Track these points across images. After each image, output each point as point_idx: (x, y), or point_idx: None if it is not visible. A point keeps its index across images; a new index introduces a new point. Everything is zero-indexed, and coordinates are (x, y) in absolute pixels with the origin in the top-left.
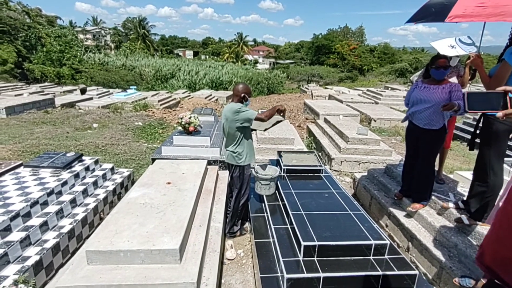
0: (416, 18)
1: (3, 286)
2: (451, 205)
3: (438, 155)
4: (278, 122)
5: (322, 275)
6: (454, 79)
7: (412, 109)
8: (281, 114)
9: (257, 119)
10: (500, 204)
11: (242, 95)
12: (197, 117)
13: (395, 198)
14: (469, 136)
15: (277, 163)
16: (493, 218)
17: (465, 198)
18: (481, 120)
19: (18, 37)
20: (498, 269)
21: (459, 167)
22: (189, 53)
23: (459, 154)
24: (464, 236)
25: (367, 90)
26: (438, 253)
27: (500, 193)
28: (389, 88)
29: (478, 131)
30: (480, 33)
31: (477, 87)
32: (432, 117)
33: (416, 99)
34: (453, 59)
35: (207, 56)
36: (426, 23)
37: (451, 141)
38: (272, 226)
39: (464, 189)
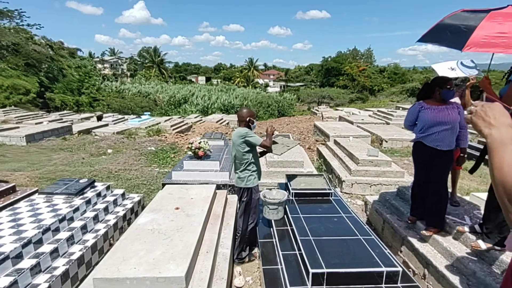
0: (429, 39)
1: None
2: (466, 229)
3: (450, 177)
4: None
5: None
6: (457, 99)
7: (428, 131)
8: (272, 134)
9: (262, 145)
10: None
11: (248, 119)
12: (206, 142)
13: (409, 221)
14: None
15: (285, 186)
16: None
17: (481, 221)
18: None
19: (42, 69)
20: None
21: (476, 188)
22: (202, 79)
23: (476, 174)
24: (482, 263)
25: (378, 110)
26: (456, 281)
27: None
28: (400, 108)
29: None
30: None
31: None
32: (451, 138)
33: (433, 122)
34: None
35: (219, 81)
36: (439, 45)
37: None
38: (280, 252)
39: (481, 211)
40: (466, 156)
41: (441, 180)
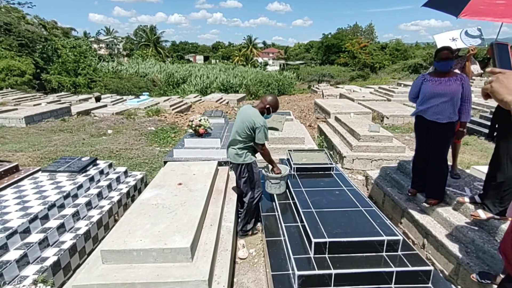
0: (433, 2)
1: (23, 286)
2: (467, 199)
3: (450, 150)
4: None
5: (333, 271)
6: (457, 71)
7: (427, 103)
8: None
9: (260, 150)
10: None
11: (267, 106)
12: (207, 120)
13: (409, 194)
14: (486, 130)
15: (287, 161)
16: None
17: (481, 192)
18: (500, 111)
19: (36, 49)
20: None
21: (476, 162)
22: (200, 58)
23: (477, 148)
24: (481, 231)
25: (379, 87)
26: (454, 249)
27: None
28: (402, 85)
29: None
30: (495, 24)
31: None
32: (451, 110)
33: (431, 93)
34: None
35: (217, 60)
36: (441, 12)
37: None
38: (283, 224)
39: (481, 183)
40: (465, 130)
41: (442, 153)
